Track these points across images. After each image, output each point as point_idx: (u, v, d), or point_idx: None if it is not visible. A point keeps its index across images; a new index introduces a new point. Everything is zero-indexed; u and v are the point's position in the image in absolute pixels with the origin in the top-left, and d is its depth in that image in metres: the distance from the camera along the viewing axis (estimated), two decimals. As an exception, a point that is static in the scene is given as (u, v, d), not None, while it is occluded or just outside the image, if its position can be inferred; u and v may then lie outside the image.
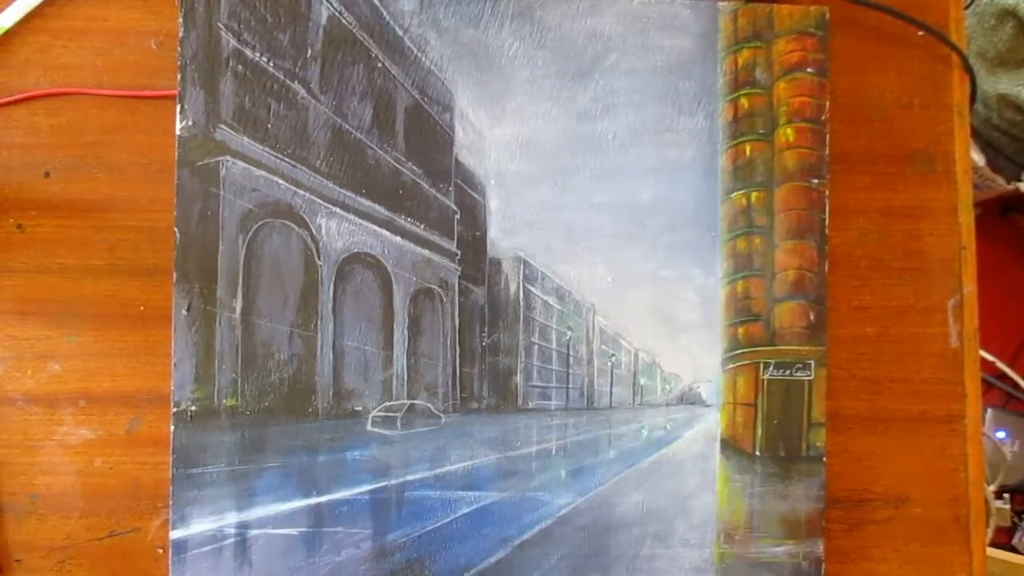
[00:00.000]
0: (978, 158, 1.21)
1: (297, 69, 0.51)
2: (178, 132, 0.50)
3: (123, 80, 0.52)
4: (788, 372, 0.53)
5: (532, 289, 0.53)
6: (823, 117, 0.54)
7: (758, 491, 0.52)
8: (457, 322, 0.52)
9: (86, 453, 0.50)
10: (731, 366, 0.53)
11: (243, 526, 0.49)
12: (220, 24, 0.51)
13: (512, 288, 0.53)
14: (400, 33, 0.52)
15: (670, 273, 0.53)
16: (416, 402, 0.51)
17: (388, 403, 0.51)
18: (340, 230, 0.52)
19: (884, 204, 0.55)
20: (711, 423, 0.53)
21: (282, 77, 0.51)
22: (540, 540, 0.51)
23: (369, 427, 0.51)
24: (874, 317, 0.54)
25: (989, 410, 1.31)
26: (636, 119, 0.53)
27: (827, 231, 0.53)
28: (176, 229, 0.50)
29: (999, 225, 1.41)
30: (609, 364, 0.53)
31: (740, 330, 0.53)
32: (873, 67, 0.55)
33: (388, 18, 0.52)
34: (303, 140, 0.51)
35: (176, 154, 0.50)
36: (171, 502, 0.49)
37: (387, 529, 0.50)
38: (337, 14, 0.52)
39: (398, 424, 0.51)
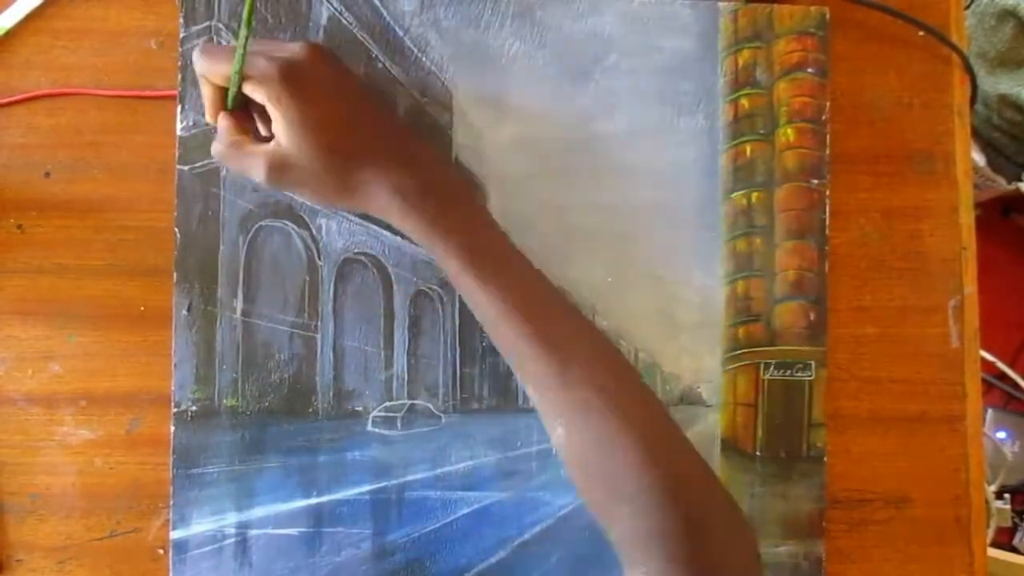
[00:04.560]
0: (978, 158, 1.21)
1: (297, 69, 0.51)
2: (178, 132, 0.50)
3: (123, 80, 0.52)
4: (788, 372, 0.53)
5: (532, 289, 0.53)
6: (823, 117, 0.54)
7: (758, 491, 0.52)
8: (457, 322, 0.52)
9: (86, 453, 0.50)
10: (731, 366, 0.53)
11: (243, 526, 0.49)
12: (220, 24, 0.51)
13: (512, 288, 0.52)
14: (400, 33, 0.52)
15: (670, 273, 0.53)
16: (416, 402, 0.51)
17: (388, 403, 0.51)
18: (340, 230, 0.52)
19: (884, 204, 0.55)
20: (711, 423, 0.53)
21: (282, 77, 0.51)
22: (540, 540, 0.51)
23: (369, 427, 0.51)
24: (874, 317, 0.54)
25: (989, 410, 1.31)
26: (636, 119, 0.53)
27: (827, 231, 0.53)
28: (176, 229, 0.50)
29: (999, 225, 1.42)
30: (609, 364, 0.53)
31: (740, 330, 0.53)
32: (873, 67, 0.55)
33: (388, 18, 0.52)
34: (303, 140, 0.51)
35: (176, 154, 0.50)
36: (171, 502, 0.49)
37: (387, 529, 0.50)
38: (337, 14, 0.52)
39: (398, 424, 0.51)
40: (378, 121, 0.46)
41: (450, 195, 0.45)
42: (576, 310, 0.46)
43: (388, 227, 0.52)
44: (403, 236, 0.52)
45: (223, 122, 0.45)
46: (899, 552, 0.53)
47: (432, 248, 0.44)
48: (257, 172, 0.44)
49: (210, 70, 0.44)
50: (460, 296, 0.52)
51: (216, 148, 0.46)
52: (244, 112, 0.46)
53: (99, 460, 0.51)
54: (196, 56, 0.44)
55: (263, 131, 0.46)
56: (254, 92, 0.43)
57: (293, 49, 0.44)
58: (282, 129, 0.42)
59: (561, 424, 0.42)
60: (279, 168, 0.43)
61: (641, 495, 0.39)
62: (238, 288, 0.50)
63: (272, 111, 0.43)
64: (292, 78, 0.42)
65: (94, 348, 0.51)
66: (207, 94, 0.45)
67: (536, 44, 0.53)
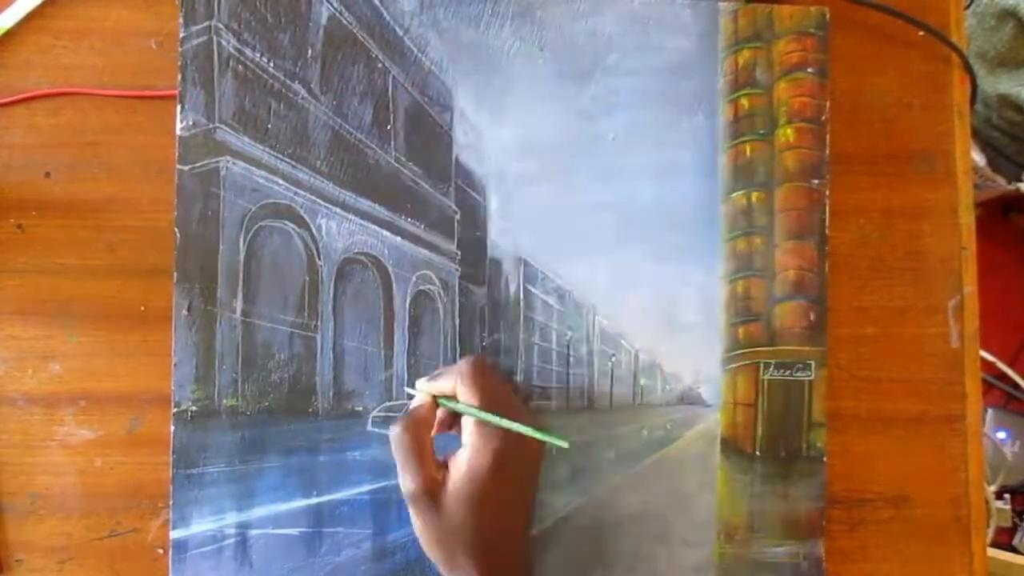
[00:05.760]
0: (978, 158, 1.21)
1: (297, 69, 0.51)
2: (178, 132, 0.50)
3: (123, 80, 0.52)
4: (788, 372, 0.53)
5: (532, 289, 0.53)
6: (823, 117, 0.54)
7: (758, 491, 0.52)
8: (457, 322, 0.52)
9: (86, 453, 0.50)
10: (731, 366, 0.53)
11: (243, 526, 0.49)
12: (220, 24, 0.51)
13: (512, 288, 0.53)
14: (400, 33, 0.52)
15: (670, 273, 0.53)
16: (416, 402, 0.51)
17: (388, 403, 0.51)
18: (340, 230, 0.52)
19: (884, 204, 0.55)
20: (711, 423, 0.53)
21: (282, 77, 0.51)
22: (540, 540, 0.51)
23: (369, 427, 0.51)
24: (874, 317, 0.54)
25: (989, 410, 1.31)
26: (636, 119, 0.53)
27: (827, 231, 0.53)
28: (176, 229, 0.50)
29: (999, 225, 1.42)
30: (609, 364, 0.53)
31: (740, 330, 0.53)
32: (873, 67, 0.55)
33: (388, 18, 0.52)
34: (303, 140, 0.51)
35: (176, 154, 0.50)
36: (171, 502, 0.49)
37: (387, 529, 0.50)
38: (337, 14, 0.52)
39: (398, 424, 0.51)
40: (521, 526, 0.46)
41: None
42: None
43: (388, 226, 0.52)
44: (403, 236, 0.52)
45: (423, 412, 0.45)
46: (899, 552, 0.54)
47: None
48: (411, 484, 0.43)
49: (467, 391, 0.44)
50: (460, 295, 0.52)
51: (401, 432, 0.44)
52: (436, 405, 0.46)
53: (99, 460, 0.51)
54: (471, 365, 0.44)
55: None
56: (472, 434, 0.43)
57: (520, 433, 0.43)
58: (459, 482, 0.42)
59: None
60: (428, 496, 0.43)
61: None
62: (238, 288, 0.50)
63: (464, 462, 0.43)
64: (505, 456, 0.43)
65: (94, 348, 0.51)
66: (440, 390, 0.45)
67: (536, 44, 0.53)
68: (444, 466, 0.44)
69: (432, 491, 0.43)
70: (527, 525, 0.47)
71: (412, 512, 0.44)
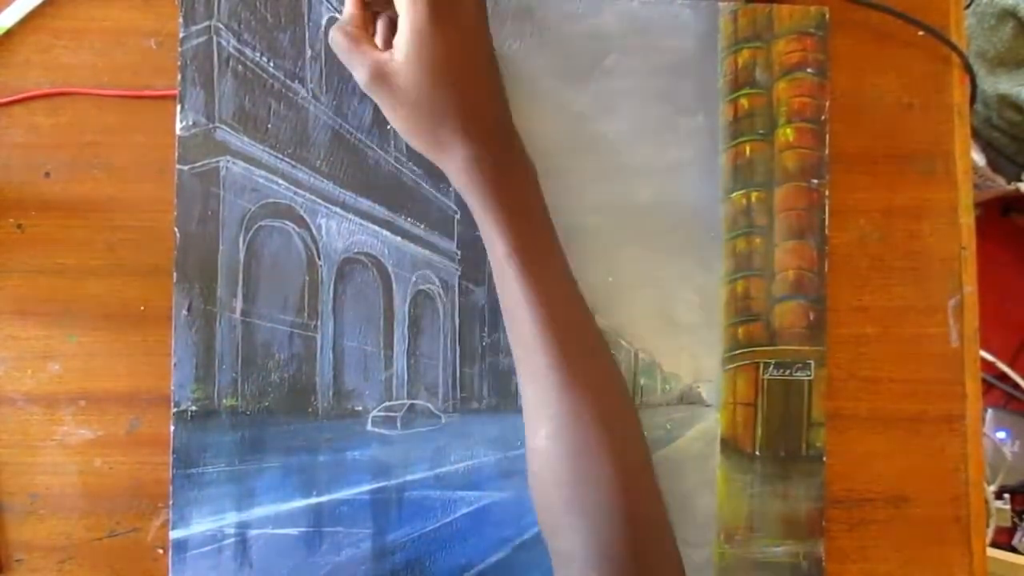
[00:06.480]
0: (978, 158, 1.22)
1: (297, 69, 0.51)
2: (178, 132, 0.50)
3: (123, 80, 0.52)
4: (788, 372, 0.53)
5: (532, 289, 0.53)
6: (823, 117, 0.54)
7: (758, 491, 0.52)
8: (457, 322, 0.52)
9: (86, 453, 0.51)
10: (731, 366, 0.53)
11: (243, 526, 0.49)
12: (220, 24, 0.51)
13: (512, 288, 0.52)
14: (400, 33, 0.52)
15: (670, 273, 0.53)
16: (416, 402, 0.51)
17: (388, 403, 0.51)
18: (340, 230, 0.52)
19: (884, 204, 0.55)
20: (711, 423, 0.53)
21: (282, 77, 0.51)
22: (540, 540, 0.51)
23: (369, 427, 0.51)
24: (874, 317, 0.54)
25: (989, 410, 1.31)
26: (636, 119, 0.53)
27: (827, 231, 0.53)
28: (176, 229, 0.50)
29: (999, 225, 1.42)
30: (609, 364, 0.53)
31: (740, 330, 0.53)
32: (873, 67, 0.55)
33: (388, 18, 0.52)
34: (303, 140, 0.51)
35: (176, 154, 0.50)
36: (171, 502, 0.49)
37: (387, 529, 0.50)
38: (337, 14, 0.52)
39: (398, 424, 0.51)
40: (490, 87, 0.46)
41: (518, 178, 0.46)
42: (591, 317, 0.47)
43: (388, 226, 0.52)
44: (403, 235, 0.52)
45: (353, 9, 0.47)
46: (899, 552, 0.54)
47: (485, 225, 0.45)
48: (361, 72, 0.45)
49: None
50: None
51: (334, 34, 0.46)
52: (373, 15, 0.47)
53: (99, 460, 0.51)
54: None
55: (379, 42, 0.47)
56: (403, 4, 0.43)
57: None
58: (404, 44, 0.43)
59: (546, 430, 0.43)
60: (381, 78, 0.44)
61: (600, 512, 0.41)
62: (238, 288, 0.50)
63: (404, 23, 0.43)
64: (442, 5, 0.43)
65: (94, 348, 0.51)
66: None
67: (536, 44, 0.53)
68: (390, 48, 0.44)
69: (385, 71, 0.44)
70: (499, 90, 0.47)
71: (380, 103, 0.45)
